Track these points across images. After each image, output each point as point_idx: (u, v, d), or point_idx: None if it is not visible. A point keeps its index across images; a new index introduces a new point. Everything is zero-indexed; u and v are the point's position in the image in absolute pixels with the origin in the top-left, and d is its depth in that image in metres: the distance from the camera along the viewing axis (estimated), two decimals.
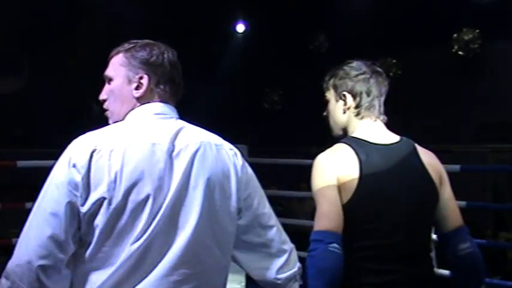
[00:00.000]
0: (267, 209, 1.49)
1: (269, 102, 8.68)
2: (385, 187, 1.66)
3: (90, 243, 1.26)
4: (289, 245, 1.51)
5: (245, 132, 8.40)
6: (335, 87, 1.80)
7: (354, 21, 6.70)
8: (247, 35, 8.13)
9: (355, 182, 1.64)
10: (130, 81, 1.40)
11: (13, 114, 6.62)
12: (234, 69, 8.01)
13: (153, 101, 1.41)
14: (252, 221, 1.45)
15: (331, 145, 1.74)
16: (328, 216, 1.61)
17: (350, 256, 1.59)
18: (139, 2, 6.21)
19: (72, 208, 1.25)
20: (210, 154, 1.37)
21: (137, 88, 1.40)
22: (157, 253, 1.27)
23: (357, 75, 1.78)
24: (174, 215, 1.29)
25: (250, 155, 4.12)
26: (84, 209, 1.25)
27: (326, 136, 1.82)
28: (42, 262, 1.23)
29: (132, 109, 1.41)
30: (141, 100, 1.41)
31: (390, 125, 1.78)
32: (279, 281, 1.47)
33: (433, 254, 3.29)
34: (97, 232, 1.25)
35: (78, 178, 1.25)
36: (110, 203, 1.25)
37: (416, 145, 1.77)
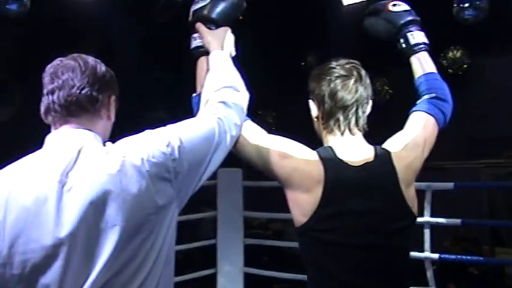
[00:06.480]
0: None
1: (263, 125, 8.68)
2: (348, 214, 1.42)
3: None
4: None
5: None
6: (308, 91, 1.57)
7: (343, 41, 6.76)
8: (237, 57, 8.17)
9: (317, 203, 1.42)
10: None
11: (9, 141, 6.59)
12: None
13: (53, 128, 1.27)
14: None
15: None
16: None
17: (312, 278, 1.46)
18: (133, 23, 6.21)
19: None
20: (122, 183, 1.13)
21: None
22: None
23: (324, 78, 1.49)
24: (73, 266, 1.10)
25: (245, 178, 4.12)
26: None
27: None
28: None
29: None
30: (51, 125, 1.28)
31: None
32: None
33: (429, 274, 3.25)
34: None
35: None
36: None
37: (393, 154, 1.51)
